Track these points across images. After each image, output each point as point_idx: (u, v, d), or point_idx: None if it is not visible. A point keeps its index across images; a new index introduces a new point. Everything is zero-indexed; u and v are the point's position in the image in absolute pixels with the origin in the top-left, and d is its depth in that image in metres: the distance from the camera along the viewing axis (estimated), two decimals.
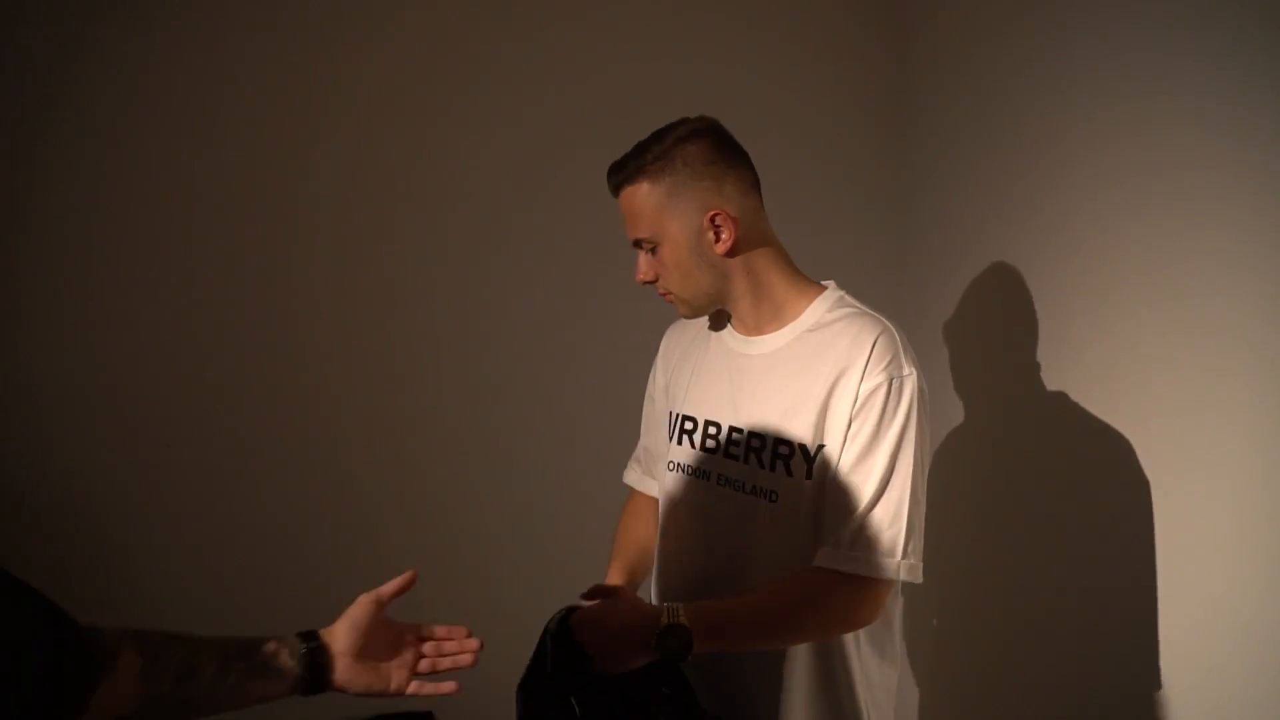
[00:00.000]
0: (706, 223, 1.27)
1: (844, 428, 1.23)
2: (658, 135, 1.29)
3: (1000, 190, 1.98)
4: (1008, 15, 1.94)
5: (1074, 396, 1.77)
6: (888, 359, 1.23)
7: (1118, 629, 1.68)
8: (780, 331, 1.32)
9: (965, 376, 2.10)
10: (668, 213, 1.26)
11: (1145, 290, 1.61)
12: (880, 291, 2.22)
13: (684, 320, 1.45)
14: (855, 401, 1.22)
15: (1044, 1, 1.83)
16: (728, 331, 1.39)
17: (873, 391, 1.21)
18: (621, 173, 1.29)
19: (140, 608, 1.77)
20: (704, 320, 1.43)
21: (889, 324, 1.27)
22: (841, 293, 1.34)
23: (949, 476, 2.04)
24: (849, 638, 1.27)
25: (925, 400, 1.24)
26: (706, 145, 1.27)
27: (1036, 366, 1.86)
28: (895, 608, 1.33)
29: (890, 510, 1.20)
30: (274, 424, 1.88)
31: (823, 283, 1.36)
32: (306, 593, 1.89)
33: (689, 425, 1.39)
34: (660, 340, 1.55)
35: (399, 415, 1.97)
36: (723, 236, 1.27)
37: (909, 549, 1.20)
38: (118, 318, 1.77)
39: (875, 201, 2.30)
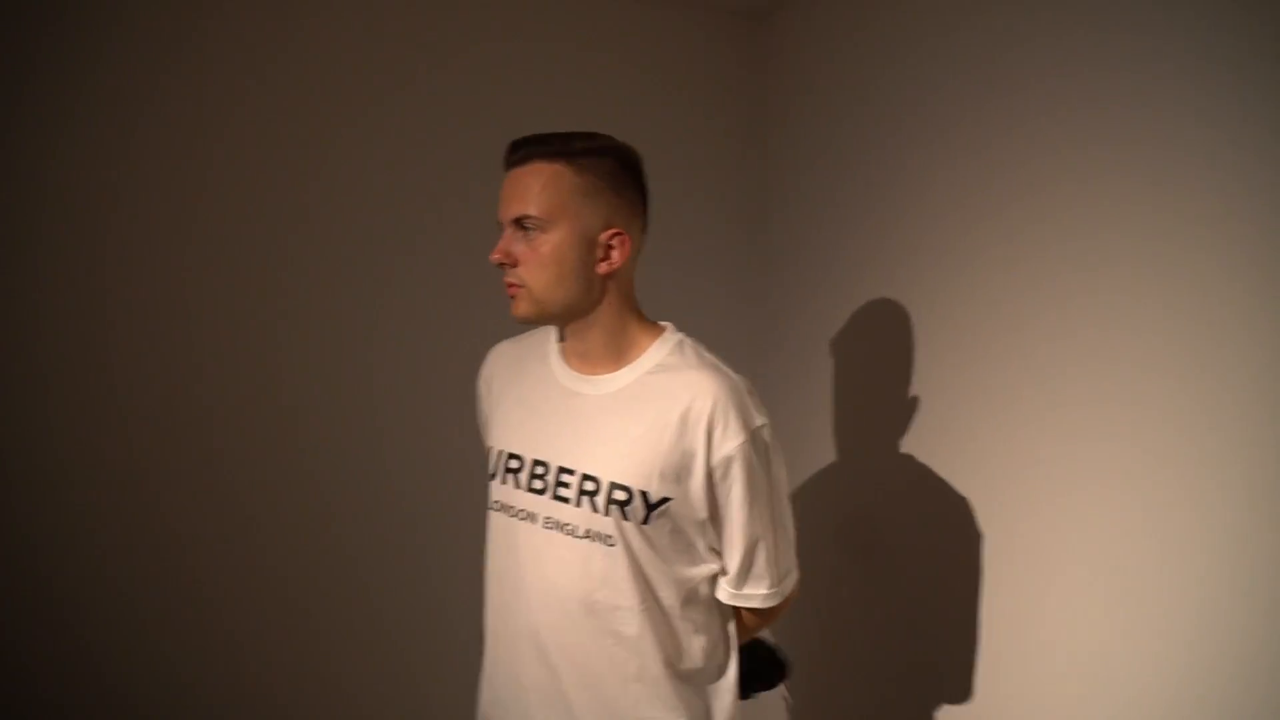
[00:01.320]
0: (605, 237, 1.23)
1: (703, 489, 1.23)
2: (584, 134, 1.24)
3: (856, 203, 2.00)
4: (865, 25, 1.96)
5: (933, 408, 1.80)
6: (741, 415, 1.22)
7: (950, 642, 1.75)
8: (619, 372, 1.27)
9: (824, 390, 2.11)
10: (575, 205, 1.20)
11: (1001, 291, 1.63)
12: (738, 309, 2.26)
13: (504, 347, 1.42)
14: (712, 463, 1.22)
15: (898, 11, 1.86)
16: (559, 365, 1.32)
17: (735, 451, 1.21)
18: (540, 145, 1.21)
19: (130, 610, 1.82)
20: (527, 349, 1.38)
21: (733, 375, 1.26)
22: (681, 335, 1.31)
23: (805, 497, 2.10)
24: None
25: (774, 438, 1.28)
26: (633, 169, 1.26)
27: (894, 378, 1.89)
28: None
29: (770, 552, 1.28)
30: (252, 433, 1.90)
31: (660, 323, 1.32)
32: (296, 592, 1.95)
33: (514, 464, 1.30)
34: None
35: (377, 421, 1.99)
36: (612, 257, 1.23)
37: (791, 569, 1.34)
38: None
39: (733, 223, 2.30)
